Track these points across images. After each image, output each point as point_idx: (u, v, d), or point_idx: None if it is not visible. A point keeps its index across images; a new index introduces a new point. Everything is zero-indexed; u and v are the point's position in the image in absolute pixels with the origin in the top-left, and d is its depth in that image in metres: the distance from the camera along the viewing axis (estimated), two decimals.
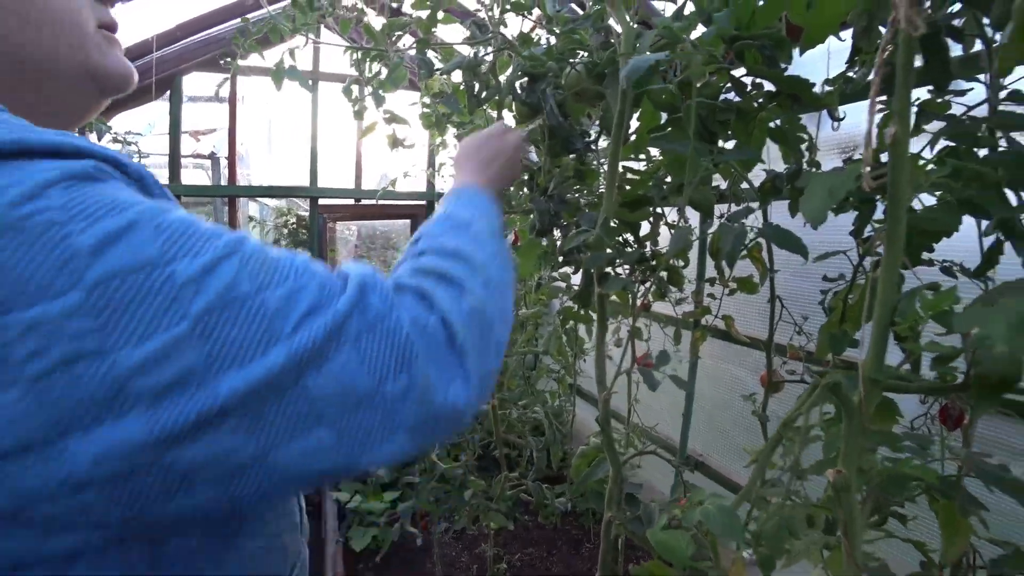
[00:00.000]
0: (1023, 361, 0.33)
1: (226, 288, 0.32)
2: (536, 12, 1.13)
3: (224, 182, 3.05)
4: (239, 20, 2.37)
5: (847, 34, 0.64)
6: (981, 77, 0.56)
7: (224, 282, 0.33)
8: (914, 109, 0.65)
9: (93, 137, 2.30)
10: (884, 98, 0.52)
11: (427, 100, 1.38)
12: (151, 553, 0.34)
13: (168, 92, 2.48)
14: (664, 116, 0.82)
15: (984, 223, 0.54)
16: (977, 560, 0.57)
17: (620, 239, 1.04)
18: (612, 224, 0.95)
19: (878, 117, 0.44)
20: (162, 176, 2.65)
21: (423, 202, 3.02)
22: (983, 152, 0.57)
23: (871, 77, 0.40)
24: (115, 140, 2.57)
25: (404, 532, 1.72)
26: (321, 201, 2.84)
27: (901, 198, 0.40)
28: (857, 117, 0.76)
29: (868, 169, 0.39)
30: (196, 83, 2.72)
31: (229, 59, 1.63)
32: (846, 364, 0.73)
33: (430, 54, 1.25)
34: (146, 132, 2.78)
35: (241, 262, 0.34)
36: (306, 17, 1.27)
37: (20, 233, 0.28)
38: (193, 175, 3.36)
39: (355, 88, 1.37)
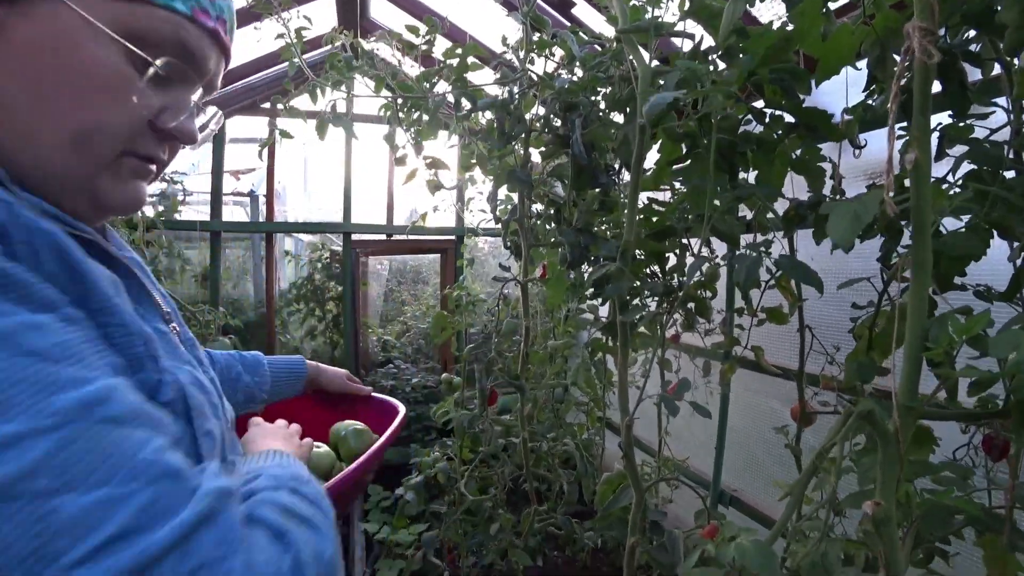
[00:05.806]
0: None
1: (14, 478, 0.25)
2: (559, 53, 1.18)
3: (262, 219, 3.17)
4: (277, 68, 2.51)
5: (863, 63, 0.65)
6: (1001, 101, 0.56)
7: (16, 468, 0.26)
8: (937, 134, 0.65)
9: None
10: (905, 124, 0.52)
11: (464, 141, 1.41)
12: None
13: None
14: (684, 148, 0.84)
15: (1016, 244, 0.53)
16: None
17: (648, 271, 1.04)
18: (639, 256, 0.96)
19: (899, 143, 0.44)
20: (204, 213, 2.78)
21: (452, 237, 3.07)
22: (1011, 174, 0.56)
23: (889, 105, 0.41)
24: (163, 180, 2.70)
25: (427, 563, 1.70)
26: (354, 236, 2.93)
27: (925, 222, 0.40)
28: (881, 143, 0.77)
29: (891, 194, 0.39)
30: (238, 126, 2.86)
31: (270, 104, 1.71)
32: (879, 393, 0.71)
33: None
34: (190, 172, 2.92)
35: (60, 443, 0.27)
36: (343, 75, 1.34)
37: None
38: (233, 212, 3.50)
39: (398, 133, 1.40)
